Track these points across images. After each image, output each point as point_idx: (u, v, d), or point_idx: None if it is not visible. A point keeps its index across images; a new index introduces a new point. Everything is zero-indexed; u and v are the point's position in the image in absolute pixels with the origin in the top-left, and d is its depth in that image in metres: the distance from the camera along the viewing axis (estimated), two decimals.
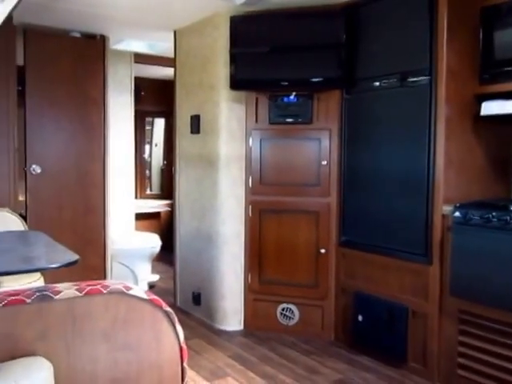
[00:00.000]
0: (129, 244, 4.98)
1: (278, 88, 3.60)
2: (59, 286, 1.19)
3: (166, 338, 1.29)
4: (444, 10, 2.83)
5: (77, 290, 1.19)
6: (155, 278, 5.26)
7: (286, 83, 3.52)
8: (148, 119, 7.07)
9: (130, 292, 1.25)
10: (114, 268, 4.79)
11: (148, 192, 7.05)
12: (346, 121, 3.52)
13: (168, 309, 1.30)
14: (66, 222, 4.37)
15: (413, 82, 3.04)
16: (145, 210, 6.32)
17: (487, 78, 2.88)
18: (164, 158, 7.18)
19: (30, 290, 1.16)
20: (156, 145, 7.26)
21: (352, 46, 3.38)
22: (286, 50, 3.49)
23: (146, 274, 5.08)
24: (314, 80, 3.48)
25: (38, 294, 1.14)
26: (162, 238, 5.20)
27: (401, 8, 3.12)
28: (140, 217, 5.85)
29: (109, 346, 1.22)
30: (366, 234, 3.39)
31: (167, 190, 6.92)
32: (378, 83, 3.26)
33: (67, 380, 1.15)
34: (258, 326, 3.84)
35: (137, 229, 5.63)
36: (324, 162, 3.62)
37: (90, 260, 4.36)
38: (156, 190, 7.22)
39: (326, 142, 3.62)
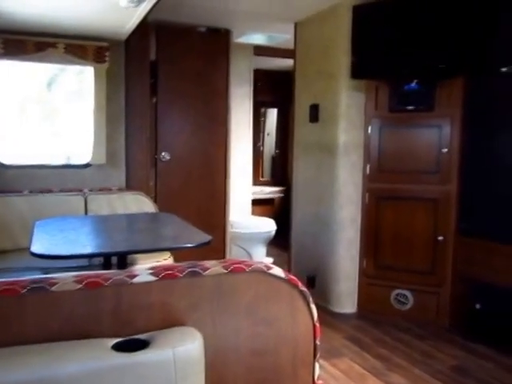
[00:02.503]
0: (247, 228, 5.21)
1: (400, 76, 3.59)
2: (207, 263, 1.27)
3: (301, 315, 1.35)
4: None
5: (223, 267, 1.26)
6: (270, 260, 5.46)
7: (409, 71, 3.51)
8: (261, 109, 7.23)
9: (270, 271, 1.31)
10: (232, 250, 5.05)
11: (261, 179, 7.27)
12: (471, 107, 3.44)
13: (303, 288, 1.36)
14: (191, 205, 4.62)
15: None
16: (260, 196, 6.53)
17: None
18: (276, 147, 7.38)
19: (181, 265, 1.25)
20: (268, 134, 7.45)
21: (483, 31, 3.25)
22: (408, 37, 3.45)
23: (262, 257, 5.30)
24: (438, 67, 3.41)
25: (189, 269, 1.23)
26: (276, 224, 5.36)
27: None
28: (255, 202, 6.05)
29: (250, 320, 1.29)
30: (489, 222, 3.33)
31: (279, 177, 7.14)
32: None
33: (213, 349, 1.22)
34: (371, 310, 3.91)
35: (252, 214, 5.85)
36: (444, 150, 3.59)
37: (212, 242, 4.61)
38: (267, 176, 7.42)
39: (446, 129, 3.58)
